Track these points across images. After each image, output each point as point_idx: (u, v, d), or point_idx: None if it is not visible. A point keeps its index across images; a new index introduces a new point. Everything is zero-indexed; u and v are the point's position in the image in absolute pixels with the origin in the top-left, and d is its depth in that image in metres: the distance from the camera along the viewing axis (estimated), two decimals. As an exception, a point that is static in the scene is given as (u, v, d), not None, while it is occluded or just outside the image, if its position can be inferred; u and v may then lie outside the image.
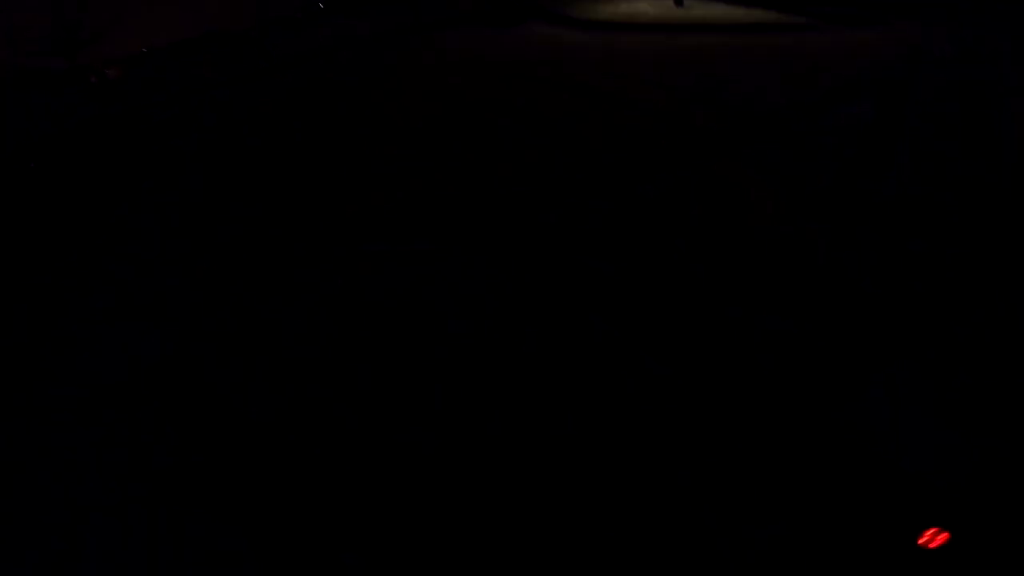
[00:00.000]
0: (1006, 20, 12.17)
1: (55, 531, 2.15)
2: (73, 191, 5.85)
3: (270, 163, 5.29)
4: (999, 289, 2.83)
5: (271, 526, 2.08)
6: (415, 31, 13.60)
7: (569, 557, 1.94)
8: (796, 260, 3.17)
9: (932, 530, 1.91)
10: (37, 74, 18.11)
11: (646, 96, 5.70)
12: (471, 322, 2.81)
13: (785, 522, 1.99)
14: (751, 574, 1.84)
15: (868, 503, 2.03)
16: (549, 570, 1.90)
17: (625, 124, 4.93)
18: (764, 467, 2.20)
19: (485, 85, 6.99)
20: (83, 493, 2.29)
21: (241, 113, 7.95)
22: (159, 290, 3.56)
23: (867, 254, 3.21)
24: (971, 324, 2.65)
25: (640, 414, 2.36)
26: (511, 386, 2.46)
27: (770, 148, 4.43)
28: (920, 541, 1.91)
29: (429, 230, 3.65)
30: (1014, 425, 2.25)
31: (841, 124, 4.79)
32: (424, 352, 2.68)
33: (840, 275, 3.03)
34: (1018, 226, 3.31)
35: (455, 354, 2.62)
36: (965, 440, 2.22)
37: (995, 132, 4.79)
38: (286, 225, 4.07)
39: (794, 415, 2.34)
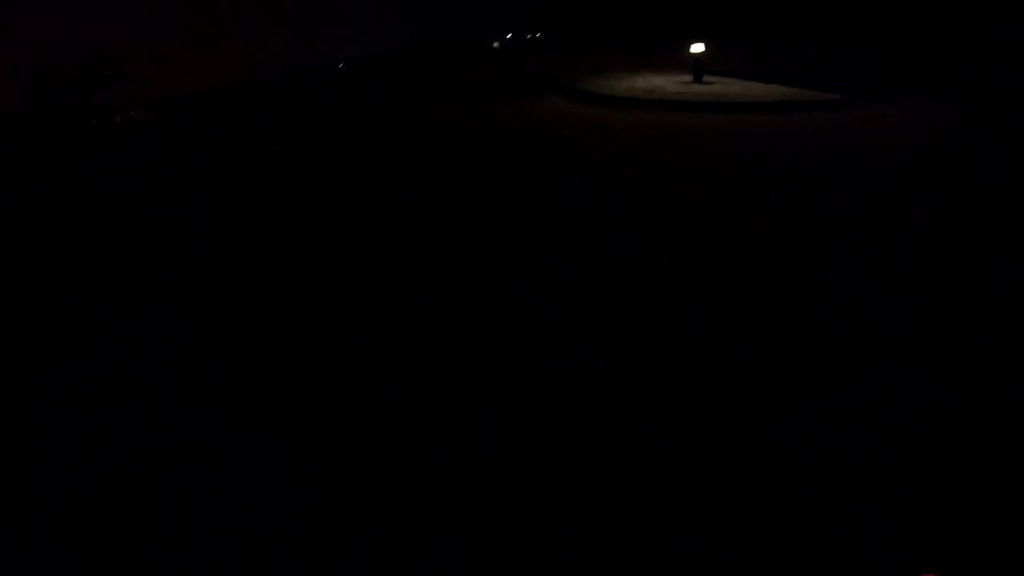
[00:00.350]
0: (999, 87, 12.06)
1: None
2: (54, 252, 5.36)
3: (264, 245, 4.74)
4: None
5: None
6: (426, 100, 13.57)
7: None
8: (895, 423, 2.46)
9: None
10: (60, 112, 18.50)
11: (685, 194, 5.12)
12: (477, 529, 2.06)
13: None
14: None
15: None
16: None
17: (664, 232, 4.32)
18: None
19: (493, 170, 6.48)
20: None
21: (247, 174, 7.57)
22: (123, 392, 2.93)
23: (990, 416, 2.50)
24: None
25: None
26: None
27: (839, 268, 3.78)
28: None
29: (418, 373, 2.94)
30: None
31: (916, 235, 4.14)
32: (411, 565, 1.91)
33: (959, 447, 2.32)
34: None
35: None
36: None
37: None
38: (271, 344, 3.44)
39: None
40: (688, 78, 12.59)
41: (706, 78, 12.14)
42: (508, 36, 31.17)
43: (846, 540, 1.99)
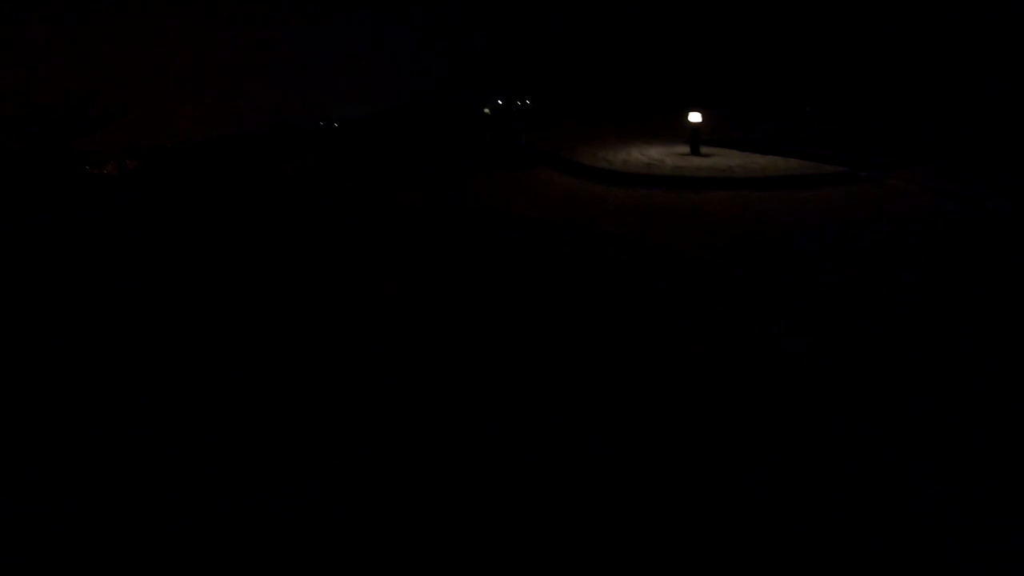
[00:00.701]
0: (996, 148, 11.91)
1: None
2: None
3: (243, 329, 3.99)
4: None
5: None
6: (416, 167, 13.17)
7: None
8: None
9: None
10: (51, 157, 18.08)
11: (704, 300, 4.43)
12: None
13: None
14: None
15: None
16: None
17: (688, 356, 3.60)
18: None
19: (495, 268, 5.82)
20: None
21: (223, 243, 6.87)
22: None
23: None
24: None
25: None
26: None
27: (896, 388, 3.07)
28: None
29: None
30: None
31: (973, 339, 3.46)
32: None
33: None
34: None
35: None
36: None
37: None
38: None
39: None
40: (683, 149, 12.30)
41: (703, 149, 11.84)
42: (499, 102, 31.68)
43: None
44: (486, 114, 30.60)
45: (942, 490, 2.43)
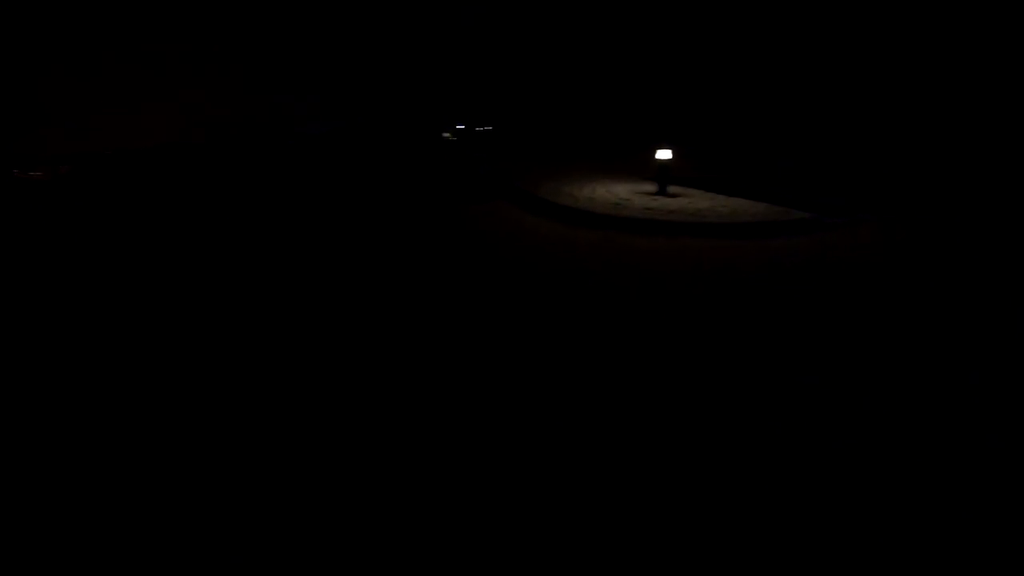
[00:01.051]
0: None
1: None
2: None
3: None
4: None
5: None
6: (369, 196, 12.34)
7: None
8: None
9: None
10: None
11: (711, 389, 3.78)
12: None
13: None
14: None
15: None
16: None
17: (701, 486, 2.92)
18: None
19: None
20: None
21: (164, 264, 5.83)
22: None
23: None
24: None
25: None
26: None
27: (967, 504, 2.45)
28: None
29: None
30: None
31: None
32: None
33: None
34: None
35: None
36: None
37: None
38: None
39: None
40: (649, 186, 11.96)
41: (670, 188, 11.51)
42: (461, 127, 31.20)
43: None
44: (446, 138, 30.05)
45: None
